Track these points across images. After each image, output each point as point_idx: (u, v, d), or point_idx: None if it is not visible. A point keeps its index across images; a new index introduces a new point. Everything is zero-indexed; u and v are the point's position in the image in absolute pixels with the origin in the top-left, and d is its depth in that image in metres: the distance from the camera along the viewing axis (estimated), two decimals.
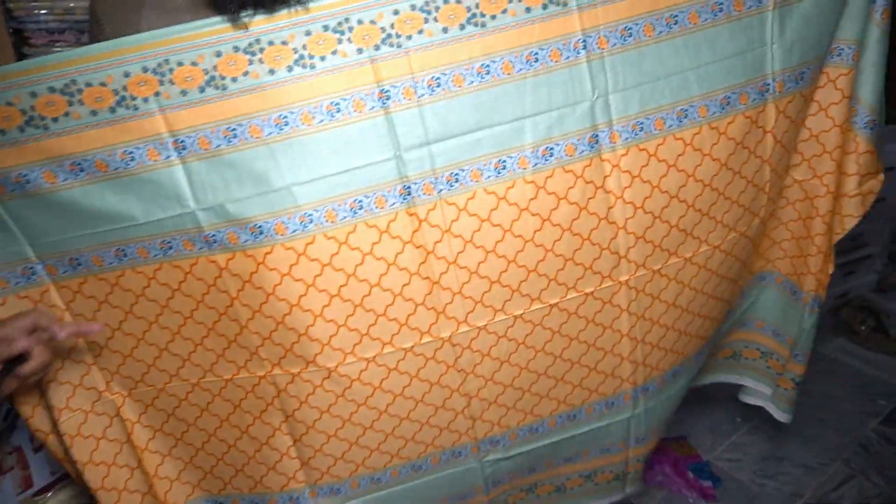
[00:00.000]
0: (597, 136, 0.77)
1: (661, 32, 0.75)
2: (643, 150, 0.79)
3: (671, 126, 0.79)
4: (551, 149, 0.76)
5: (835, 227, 0.98)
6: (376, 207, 0.74)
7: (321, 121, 0.70)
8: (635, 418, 0.99)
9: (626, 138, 0.78)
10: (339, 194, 0.72)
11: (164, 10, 0.75)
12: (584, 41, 0.73)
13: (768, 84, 0.82)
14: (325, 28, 0.67)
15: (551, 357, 0.88)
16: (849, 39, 0.86)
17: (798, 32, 0.81)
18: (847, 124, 0.92)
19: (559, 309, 0.85)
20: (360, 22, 0.67)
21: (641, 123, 0.78)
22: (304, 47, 0.67)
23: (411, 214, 0.75)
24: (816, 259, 0.99)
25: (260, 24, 0.66)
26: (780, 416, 1.17)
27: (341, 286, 0.75)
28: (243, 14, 0.66)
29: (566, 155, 0.77)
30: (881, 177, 0.98)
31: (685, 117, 0.79)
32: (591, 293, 0.85)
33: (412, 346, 0.81)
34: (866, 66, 0.89)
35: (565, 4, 0.71)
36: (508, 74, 0.72)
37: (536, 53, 0.72)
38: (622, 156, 0.78)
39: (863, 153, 0.94)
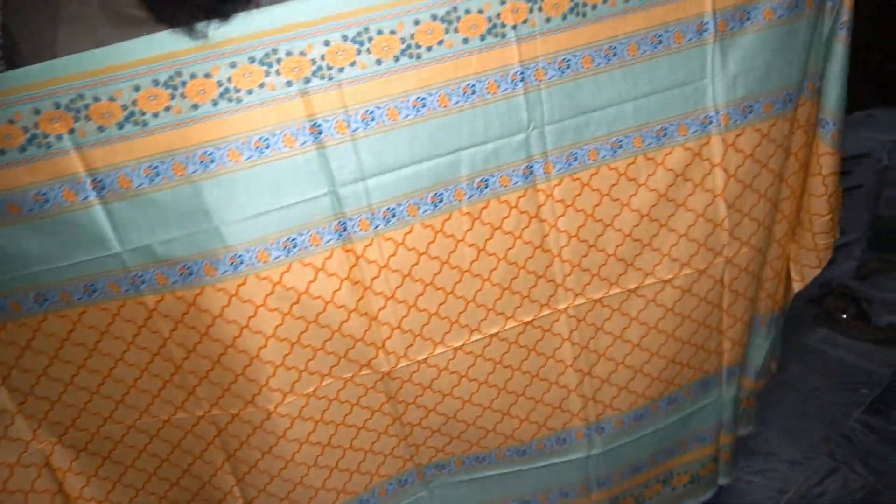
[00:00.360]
0: (531, 167, 0.76)
1: (599, 64, 0.74)
2: (576, 179, 0.79)
3: (605, 156, 0.79)
4: (486, 180, 0.75)
5: (794, 275, 0.99)
6: (311, 245, 0.71)
7: (250, 157, 0.67)
8: (593, 459, 0.97)
9: (560, 169, 0.78)
10: (272, 233, 0.69)
11: (83, 25, 0.70)
12: (522, 73, 0.72)
13: (711, 116, 0.81)
14: (252, 60, 0.64)
15: (495, 389, 0.87)
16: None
17: (742, 65, 0.80)
18: (812, 159, 0.91)
19: (499, 339, 0.84)
20: (288, 53, 0.65)
21: (575, 154, 0.77)
22: (230, 80, 0.64)
23: (348, 251, 0.73)
24: (772, 283, 0.99)
25: (180, 55, 0.62)
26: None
27: (277, 326, 0.73)
28: (198, 26, 0.62)
29: (501, 186, 0.76)
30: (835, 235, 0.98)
31: (620, 148, 0.79)
32: (531, 322, 0.85)
33: (351, 377, 0.80)
34: (831, 80, 0.87)
35: (504, 35, 0.70)
36: (445, 107, 0.70)
37: (474, 85, 0.70)
38: (556, 186, 0.78)
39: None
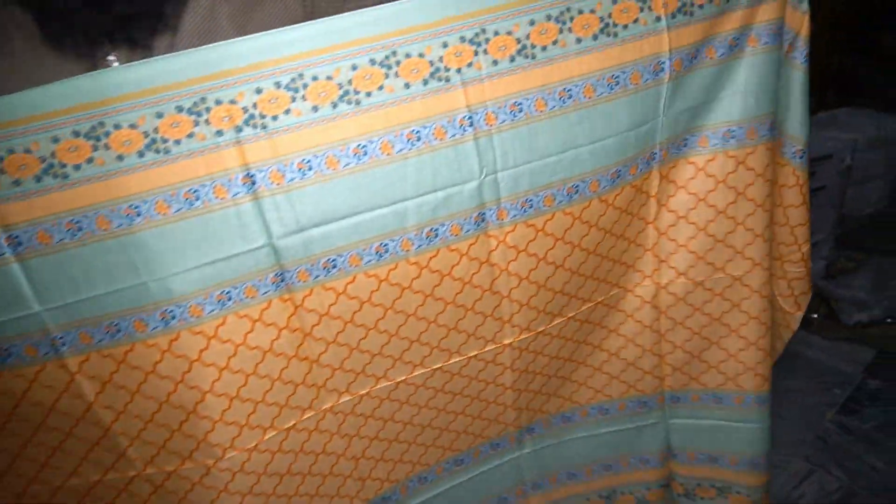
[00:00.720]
0: (484, 214, 0.74)
1: (554, 107, 0.72)
2: (531, 225, 0.77)
3: (561, 202, 0.77)
4: (436, 230, 0.73)
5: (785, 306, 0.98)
6: (246, 297, 0.68)
7: (179, 210, 0.64)
8: (524, 459, 1.00)
9: (515, 215, 0.76)
10: (204, 287, 0.66)
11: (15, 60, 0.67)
12: (471, 118, 0.69)
13: (655, 153, 0.81)
14: (179, 109, 0.61)
15: (435, 411, 0.89)
16: (773, 114, 0.85)
17: (684, 102, 0.80)
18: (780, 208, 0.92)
19: (442, 371, 0.85)
20: (218, 102, 0.61)
21: (531, 200, 0.75)
22: (157, 130, 0.61)
23: (285, 301, 0.71)
24: (749, 353, 0.98)
25: (100, 105, 0.59)
26: None
27: (214, 381, 0.70)
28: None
29: (452, 235, 0.74)
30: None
31: (576, 193, 0.77)
32: (475, 356, 0.85)
33: (294, 424, 0.78)
34: (792, 104, 0.87)
35: (448, 80, 0.67)
36: (388, 155, 0.67)
37: (418, 132, 0.68)
38: (509, 232, 0.76)
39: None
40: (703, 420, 1.04)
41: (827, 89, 3.81)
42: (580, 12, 0.69)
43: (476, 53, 0.67)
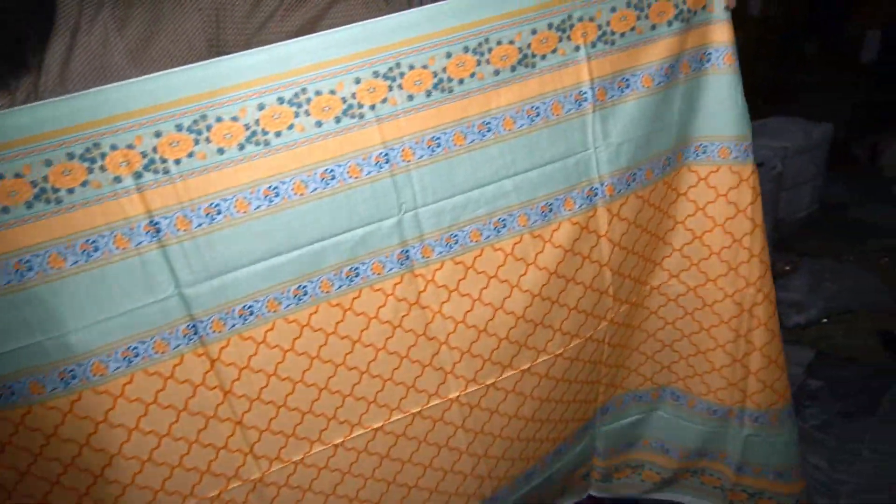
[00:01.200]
0: (407, 252, 0.72)
1: (473, 141, 0.70)
2: (459, 262, 0.75)
3: (489, 237, 0.75)
4: (356, 269, 0.70)
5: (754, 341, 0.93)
6: (156, 352, 0.64)
7: (76, 262, 0.59)
8: None
9: (441, 252, 0.73)
10: (108, 343, 0.62)
11: None
12: (387, 154, 0.67)
13: (596, 188, 0.79)
14: (71, 157, 0.57)
15: (384, 483, 0.82)
16: (710, 137, 0.85)
17: (625, 134, 0.78)
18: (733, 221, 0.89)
19: (384, 432, 0.79)
20: (113, 147, 0.58)
21: (455, 236, 0.73)
22: (46, 179, 0.57)
23: (200, 355, 0.66)
24: (732, 369, 0.96)
25: None
26: None
27: (122, 443, 0.65)
28: None
29: (373, 274, 0.71)
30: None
31: (503, 227, 0.75)
32: (419, 412, 0.80)
33: (218, 494, 0.73)
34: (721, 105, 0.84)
35: (362, 116, 0.65)
36: (301, 195, 0.65)
37: (332, 171, 0.65)
38: (436, 270, 0.74)
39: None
40: (625, 419, 1.05)
41: (756, 98, 3.97)
42: (499, 43, 0.68)
43: (390, 88, 0.65)
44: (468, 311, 0.77)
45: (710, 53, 0.80)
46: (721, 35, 0.79)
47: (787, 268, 2.78)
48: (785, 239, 3.08)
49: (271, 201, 0.64)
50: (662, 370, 1.02)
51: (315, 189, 0.65)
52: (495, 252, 0.76)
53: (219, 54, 0.71)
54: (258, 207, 0.63)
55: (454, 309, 0.76)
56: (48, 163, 0.57)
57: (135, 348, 0.63)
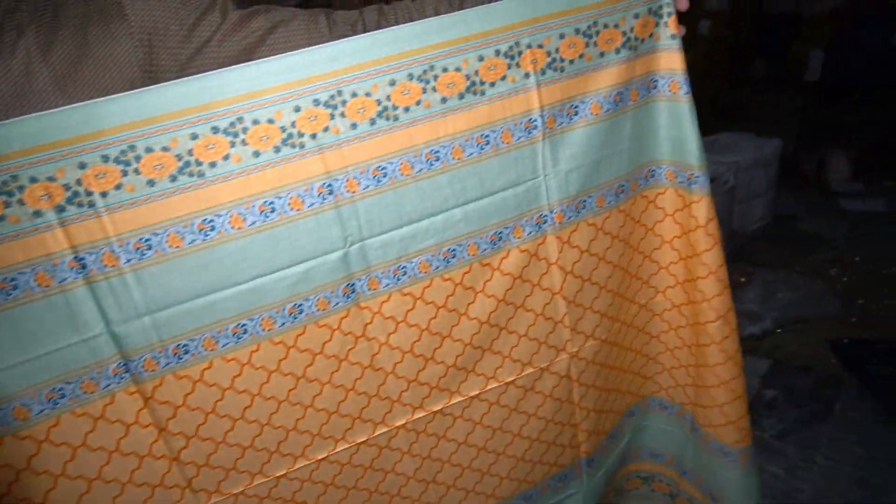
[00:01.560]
0: (353, 285, 0.69)
1: (420, 170, 0.69)
2: (408, 294, 0.73)
3: (438, 267, 0.73)
4: (300, 306, 0.67)
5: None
6: (83, 392, 0.61)
7: None
8: None
9: (388, 284, 0.71)
10: (31, 385, 0.58)
11: None
12: (330, 185, 0.65)
13: (545, 216, 0.78)
14: None
15: None
16: (658, 161, 0.85)
17: (574, 161, 0.78)
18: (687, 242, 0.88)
19: (328, 462, 0.77)
20: (33, 180, 0.54)
21: (404, 268, 0.71)
22: None
23: (132, 394, 0.63)
24: (718, 391, 0.95)
25: None
26: None
27: (48, 490, 0.62)
28: None
29: (318, 310, 0.69)
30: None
31: (453, 257, 0.74)
32: (364, 441, 0.78)
33: None
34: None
35: (303, 146, 0.63)
36: (239, 229, 0.62)
37: (272, 203, 0.63)
38: (384, 302, 0.72)
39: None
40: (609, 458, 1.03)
41: (707, 115, 4.10)
42: (444, 70, 0.67)
43: (332, 117, 0.63)
44: (415, 341, 0.76)
45: (656, 81, 0.81)
46: (668, 63, 0.79)
47: (742, 279, 2.85)
48: (739, 251, 3.16)
49: (207, 235, 0.61)
50: (628, 397, 1.02)
51: (254, 222, 0.63)
52: (444, 282, 0.74)
53: (153, 80, 0.68)
54: (192, 242, 0.61)
55: (401, 339, 0.75)
56: None
57: (60, 389, 0.60)
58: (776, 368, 2.34)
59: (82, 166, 0.56)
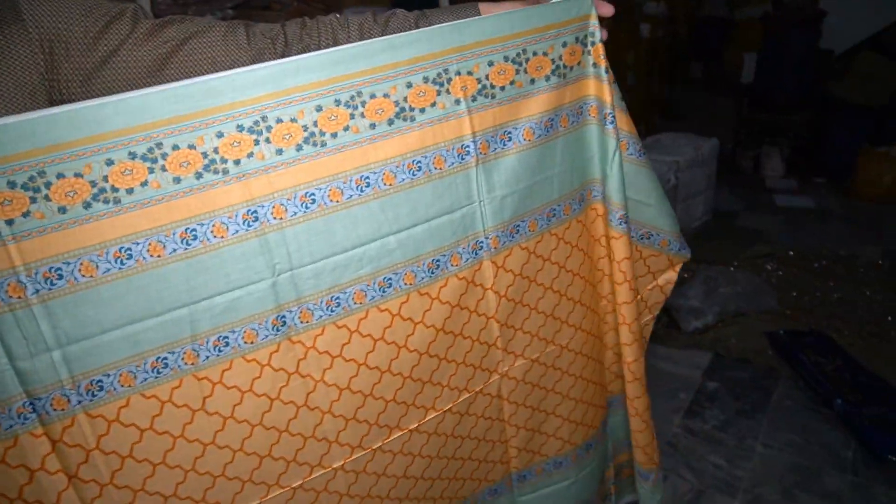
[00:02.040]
0: (283, 317, 0.66)
1: (351, 196, 0.67)
2: (342, 326, 0.70)
3: (373, 298, 0.71)
4: (225, 338, 0.64)
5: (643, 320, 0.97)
6: None
7: None
8: None
9: (321, 316, 0.68)
10: None
11: None
12: (255, 212, 0.62)
13: (481, 242, 0.78)
14: None
15: None
16: (585, 183, 0.87)
17: (508, 186, 0.78)
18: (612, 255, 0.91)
19: None
20: None
21: (337, 298, 0.69)
22: None
23: (39, 436, 0.58)
24: (578, 410, 0.99)
25: None
26: (630, 498, 1.18)
27: None
28: None
29: (246, 343, 0.65)
30: (677, 268, 1.00)
31: (389, 286, 0.72)
32: (300, 486, 0.75)
33: None
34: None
35: (226, 172, 0.60)
36: (158, 257, 0.59)
37: (194, 230, 0.60)
38: (318, 336, 0.69)
39: (648, 256, 0.95)
40: (546, 488, 1.05)
41: (651, 115, 4.22)
42: (372, 97, 0.65)
43: (257, 143, 0.61)
44: (353, 376, 0.73)
45: (582, 106, 0.82)
46: (589, 89, 0.81)
47: (686, 275, 2.95)
48: None
49: (123, 264, 0.58)
50: (578, 428, 1.02)
51: (174, 250, 0.60)
52: (381, 313, 0.72)
53: (55, 89, 0.65)
54: (107, 271, 0.57)
55: (338, 376, 0.72)
56: None
57: None
58: (717, 361, 2.43)
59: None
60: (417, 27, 0.79)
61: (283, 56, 0.75)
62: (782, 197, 3.99)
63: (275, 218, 0.64)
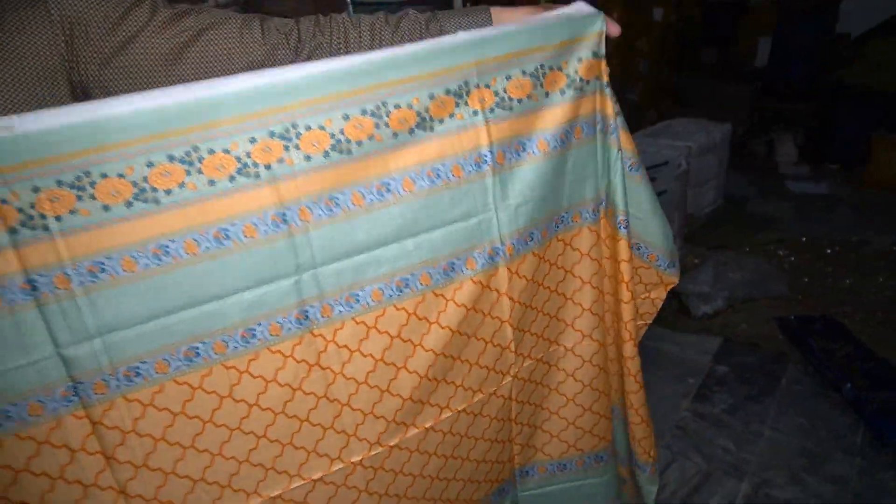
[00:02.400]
0: (306, 311, 0.70)
1: (372, 201, 0.70)
2: (361, 322, 0.73)
3: (390, 296, 0.74)
4: (252, 330, 0.67)
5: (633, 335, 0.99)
6: (30, 415, 0.59)
7: None
8: None
9: (341, 311, 0.72)
10: None
11: None
12: (284, 214, 0.65)
13: (497, 248, 0.80)
14: None
15: None
16: (589, 199, 0.89)
17: (522, 196, 0.80)
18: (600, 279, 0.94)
19: (283, 500, 0.76)
20: None
21: (356, 295, 0.72)
22: None
23: (80, 418, 0.62)
24: (585, 418, 1.02)
25: None
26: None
27: None
28: None
29: (271, 335, 0.69)
30: (668, 287, 1.03)
31: (406, 287, 0.75)
32: (320, 478, 0.78)
33: None
34: (646, 216, 0.92)
35: (257, 176, 0.63)
36: (193, 254, 0.62)
37: (227, 230, 0.63)
38: (337, 329, 0.72)
39: (639, 267, 0.98)
40: (550, 486, 1.07)
41: (663, 102, 4.20)
42: (397, 107, 0.68)
43: (287, 149, 0.64)
44: (370, 371, 0.76)
45: (593, 119, 0.85)
46: (598, 102, 0.84)
47: (696, 261, 2.96)
48: (693, 234, 3.27)
49: (160, 260, 0.61)
50: (586, 435, 1.04)
51: (207, 248, 0.63)
52: (398, 312, 0.75)
53: (74, 72, 0.68)
54: (147, 266, 0.61)
55: (356, 370, 0.75)
56: None
57: (7, 411, 0.59)
58: (727, 346, 2.45)
59: (36, 190, 0.55)
60: (428, 29, 0.81)
61: (296, 51, 0.77)
62: (795, 183, 3.98)
63: (301, 219, 0.67)
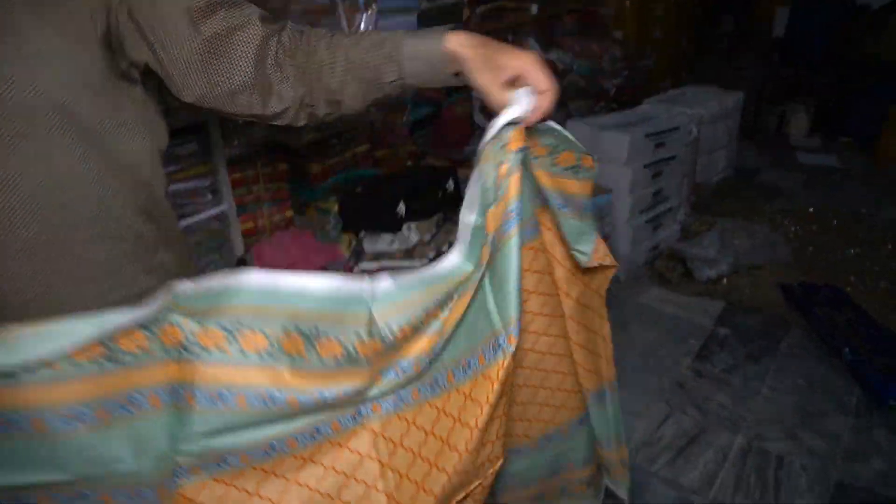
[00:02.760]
0: (359, 409, 0.75)
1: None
2: (403, 418, 0.78)
3: (425, 394, 0.79)
4: (318, 428, 0.73)
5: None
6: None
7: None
8: None
9: (387, 409, 0.77)
10: None
11: None
12: (359, 410, 0.73)
13: (499, 339, 0.82)
14: None
15: None
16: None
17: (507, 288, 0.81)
18: None
19: None
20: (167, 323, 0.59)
21: (400, 394, 0.77)
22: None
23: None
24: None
25: None
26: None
27: None
28: None
29: (332, 430, 0.74)
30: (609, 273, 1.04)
31: (436, 384, 0.80)
32: None
33: None
34: None
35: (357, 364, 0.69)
36: (291, 405, 0.68)
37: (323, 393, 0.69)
38: (385, 423, 0.77)
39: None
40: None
41: (677, 69, 4.15)
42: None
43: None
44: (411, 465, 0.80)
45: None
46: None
47: (704, 228, 2.97)
48: (702, 202, 3.27)
49: (266, 405, 0.67)
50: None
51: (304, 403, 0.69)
52: (430, 408, 0.80)
53: (109, 16, 0.69)
54: (253, 406, 0.67)
55: (399, 461, 0.79)
56: None
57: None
58: (729, 309, 2.48)
59: (200, 323, 0.61)
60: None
61: (278, 89, 0.77)
62: (806, 155, 3.95)
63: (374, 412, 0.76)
